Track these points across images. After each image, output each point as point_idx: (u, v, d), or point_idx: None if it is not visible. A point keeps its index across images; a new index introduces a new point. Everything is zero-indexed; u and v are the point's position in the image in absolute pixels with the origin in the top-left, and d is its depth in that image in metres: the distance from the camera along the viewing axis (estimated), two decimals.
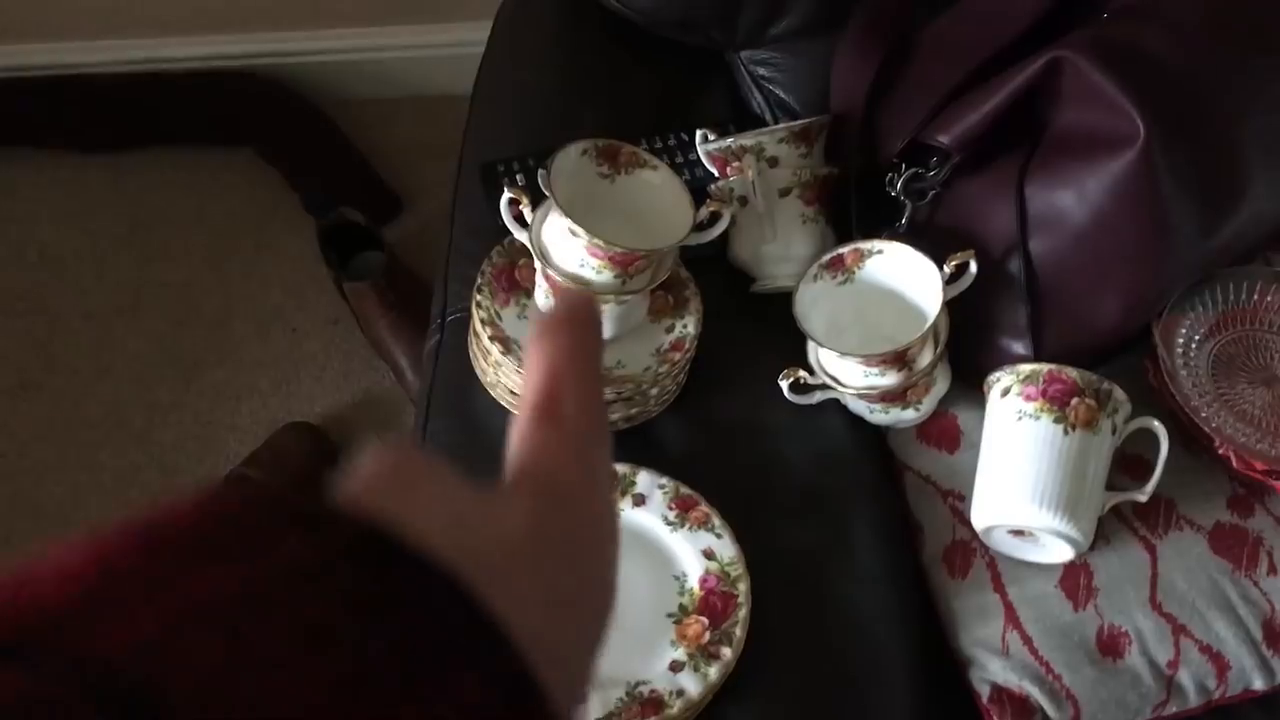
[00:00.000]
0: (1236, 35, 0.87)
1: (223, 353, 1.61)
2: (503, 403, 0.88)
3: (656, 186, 0.86)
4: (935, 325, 0.87)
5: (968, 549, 0.86)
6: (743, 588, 0.79)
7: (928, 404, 0.91)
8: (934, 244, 0.89)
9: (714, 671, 0.76)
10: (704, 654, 0.77)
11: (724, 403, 0.93)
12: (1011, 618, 0.83)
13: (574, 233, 0.80)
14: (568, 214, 0.80)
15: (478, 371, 0.90)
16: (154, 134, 1.76)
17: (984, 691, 0.82)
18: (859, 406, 0.92)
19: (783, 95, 1.07)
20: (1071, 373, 0.82)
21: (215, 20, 1.73)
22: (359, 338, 1.59)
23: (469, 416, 0.91)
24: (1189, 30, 0.86)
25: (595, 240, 0.80)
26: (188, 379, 1.58)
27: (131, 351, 1.60)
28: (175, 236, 1.71)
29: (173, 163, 1.76)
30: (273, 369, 1.59)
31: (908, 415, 0.91)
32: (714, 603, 0.79)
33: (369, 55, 1.79)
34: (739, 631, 0.77)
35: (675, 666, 0.76)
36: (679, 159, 1.01)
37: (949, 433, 0.92)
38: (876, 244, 0.90)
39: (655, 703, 0.74)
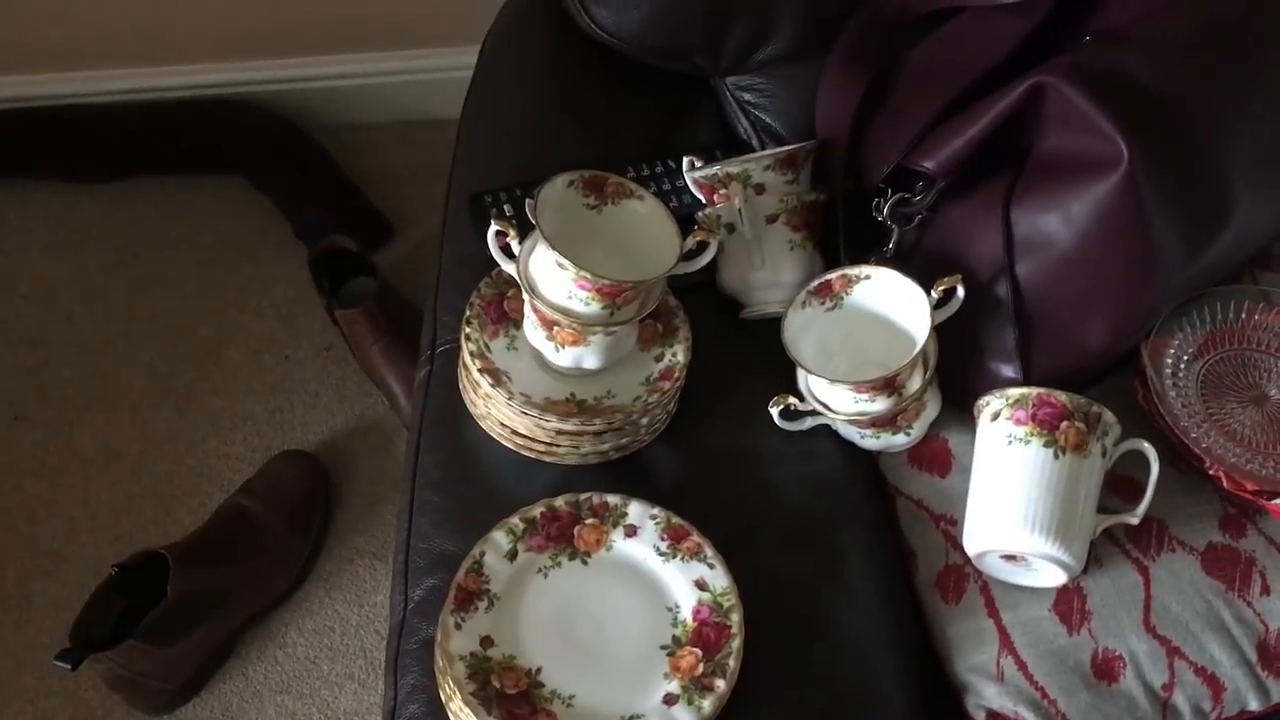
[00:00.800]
0: (1216, 58, 0.87)
1: (216, 381, 1.61)
2: (493, 434, 0.88)
3: (644, 216, 0.87)
4: (924, 350, 0.87)
5: (961, 574, 0.86)
6: (736, 618, 0.79)
7: (918, 428, 0.91)
8: (921, 269, 0.89)
9: (708, 704, 0.76)
10: (698, 686, 0.77)
11: (715, 430, 0.93)
12: (1006, 643, 0.83)
13: (561, 265, 0.80)
14: (554, 246, 0.80)
15: (468, 403, 0.90)
16: (144, 163, 1.76)
17: (979, 718, 0.82)
18: (850, 432, 0.92)
19: (769, 121, 1.07)
20: (1061, 396, 0.82)
21: (205, 49, 1.73)
22: (352, 364, 1.59)
23: (459, 449, 0.91)
24: (1169, 54, 0.86)
25: (583, 273, 0.80)
26: (181, 408, 1.58)
27: (124, 382, 1.60)
28: (167, 265, 1.71)
29: (163, 191, 1.77)
30: (266, 396, 1.59)
31: (899, 440, 0.91)
32: (707, 634, 0.79)
33: (358, 81, 1.80)
34: (733, 663, 0.77)
35: (669, 699, 0.76)
36: (666, 186, 1.02)
37: (940, 457, 0.92)
38: (864, 269, 0.90)
39: None
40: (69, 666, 1.23)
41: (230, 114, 1.76)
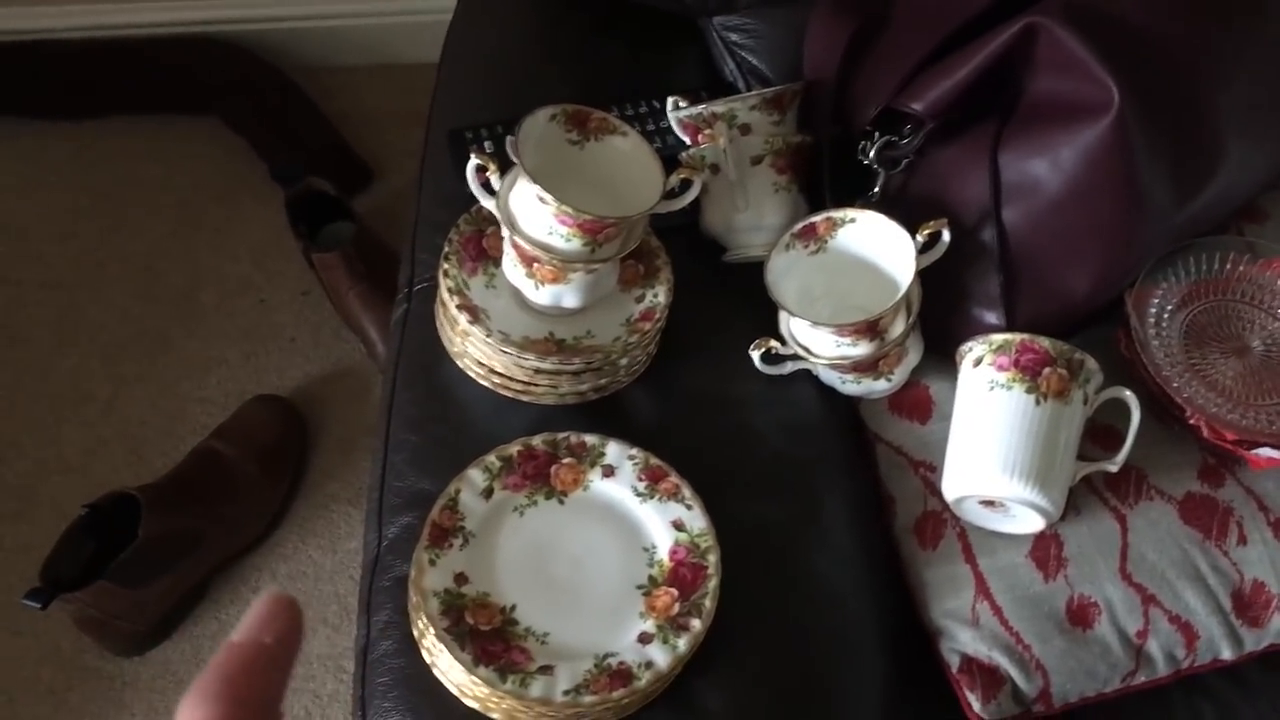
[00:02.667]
0: (1212, 6, 0.86)
1: (190, 324, 1.59)
2: (470, 373, 0.87)
3: (627, 153, 0.85)
4: (908, 295, 0.86)
5: (939, 520, 0.86)
6: (713, 559, 0.79)
7: (899, 374, 0.90)
8: (907, 213, 0.88)
9: (683, 643, 0.75)
10: (673, 626, 0.76)
11: (695, 373, 0.92)
12: (982, 588, 0.82)
13: (542, 200, 0.79)
14: (535, 180, 0.78)
15: (444, 341, 0.88)
16: (118, 101, 1.73)
17: (954, 662, 0.82)
18: (830, 377, 0.91)
19: (755, 62, 1.06)
20: (1044, 342, 0.82)
21: None
22: (328, 309, 1.58)
23: (436, 387, 0.89)
24: (1165, 3, 0.85)
25: (564, 207, 0.78)
26: (154, 351, 1.56)
27: (96, 323, 1.58)
28: (140, 206, 1.68)
29: (137, 131, 1.74)
30: (241, 341, 1.58)
31: (880, 386, 0.90)
32: (683, 574, 0.78)
33: (339, 22, 1.77)
34: (708, 603, 0.77)
35: (644, 638, 0.76)
36: (650, 126, 1.00)
37: (921, 403, 0.91)
38: (849, 212, 0.89)
39: (623, 674, 0.74)
40: (38, 606, 1.22)
41: (207, 52, 1.72)
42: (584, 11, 1.08)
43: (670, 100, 0.97)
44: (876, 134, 0.91)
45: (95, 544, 1.29)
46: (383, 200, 1.68)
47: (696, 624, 0.76)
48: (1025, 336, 0.82)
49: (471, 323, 0.84)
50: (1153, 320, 0.89)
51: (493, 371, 0.86)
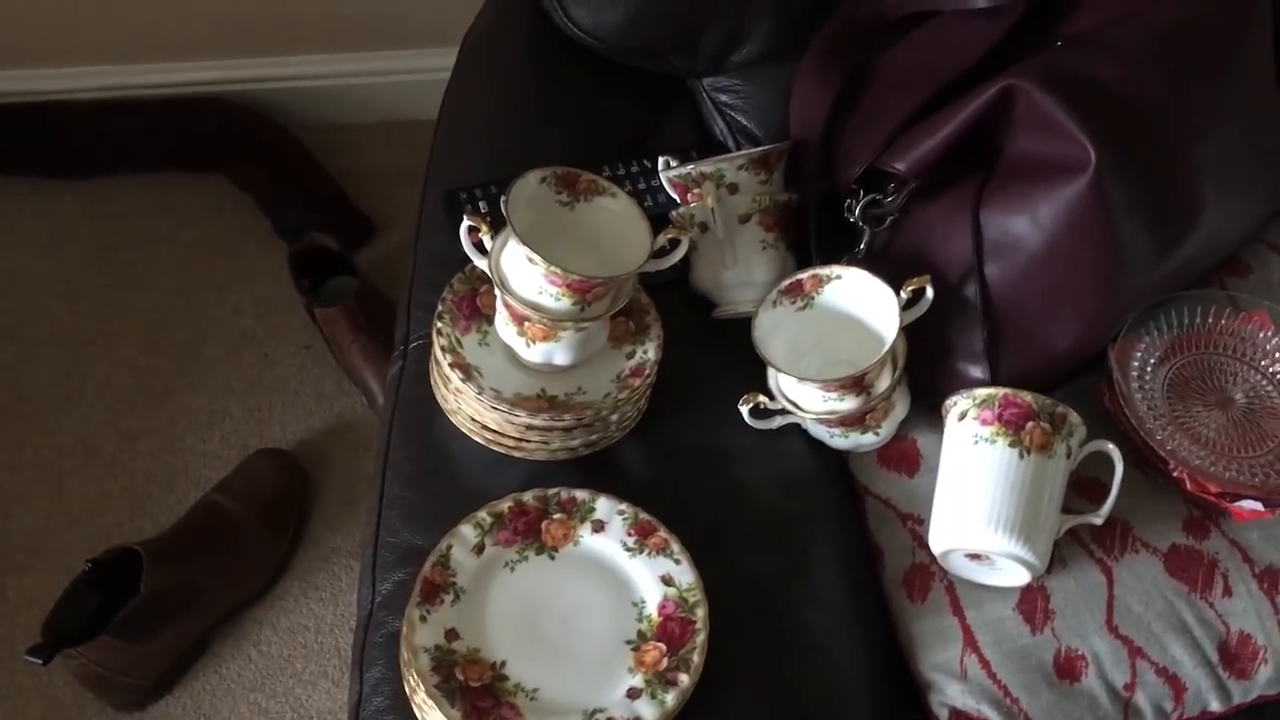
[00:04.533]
0: (1186, 65, 0.88)
1: (194, 379, 1.60)
2: (463, 429, 0.88)
3: (616, 213, 0.87)
4: (893, 350, 0.87)
5: (927, 573, 0.86)
6: (701, 613, 0.79)
7: (887, 428, 0.91)
8: (892, 269, 0.90)
9: (671, 699, 0.76)
10: (661, 681, 0.77)
11: (685, 428, 0.93)
12: (970, 641, 0.83)
13: (532, 260, 0.80)
14: (525, 241, 0.80)
15: (438, 398, 0.90)
16: (126, 160, 1.76)
17: (942, 715, 0.82)
18: (819, 431, 0.92)
19: (744, 122, 1.08)
20: (1026, 396, 0.83)
21: (188, 46, 1.73)
22: (331, 363, 1.59)
23: (430, 443, 0.91)
24: (1140, 60, 0.87)
25: (553, 268, 0.80)
26: (159, 405, 1.58)
27: (102, 378, 1.60)
28: (147, 262, 1.71)
29: (144, 188, 1.77)
30: (245, 394, 1.59)
31: (867, 439, 0.92)
32: (672, 629, 0.79)
33: (340, 81, 1.80)
34: (697, 658, 0.77)
35: (633, 694, 0.76)
36: (641, 185, 1.02)
37: (909, 457, 0.92)
38: (835, 269, 0.91)
39: None
40: (40, 662, 1.22)
41: (212, 112, 1.76)
42: (578, 72, 1.10)
43: (661, 160, 0.99)
44: (861, 192, 0.93)
45: (98, 598, 1.30)
46: (384, 255, 1.70)
47: (685, 679, 0.77)
48: (1008, 391, 0.83)
49: (464, 380, 0.85)
50: (1136, 373, 0.90)
51: (485, 428, 0.87)
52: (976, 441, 0.83)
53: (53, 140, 1.75)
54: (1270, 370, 0.92)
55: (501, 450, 0.88)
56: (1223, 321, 0.93)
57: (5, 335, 1.64)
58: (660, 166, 0.99)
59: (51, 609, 1.26)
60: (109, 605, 1.28)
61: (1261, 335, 0.92)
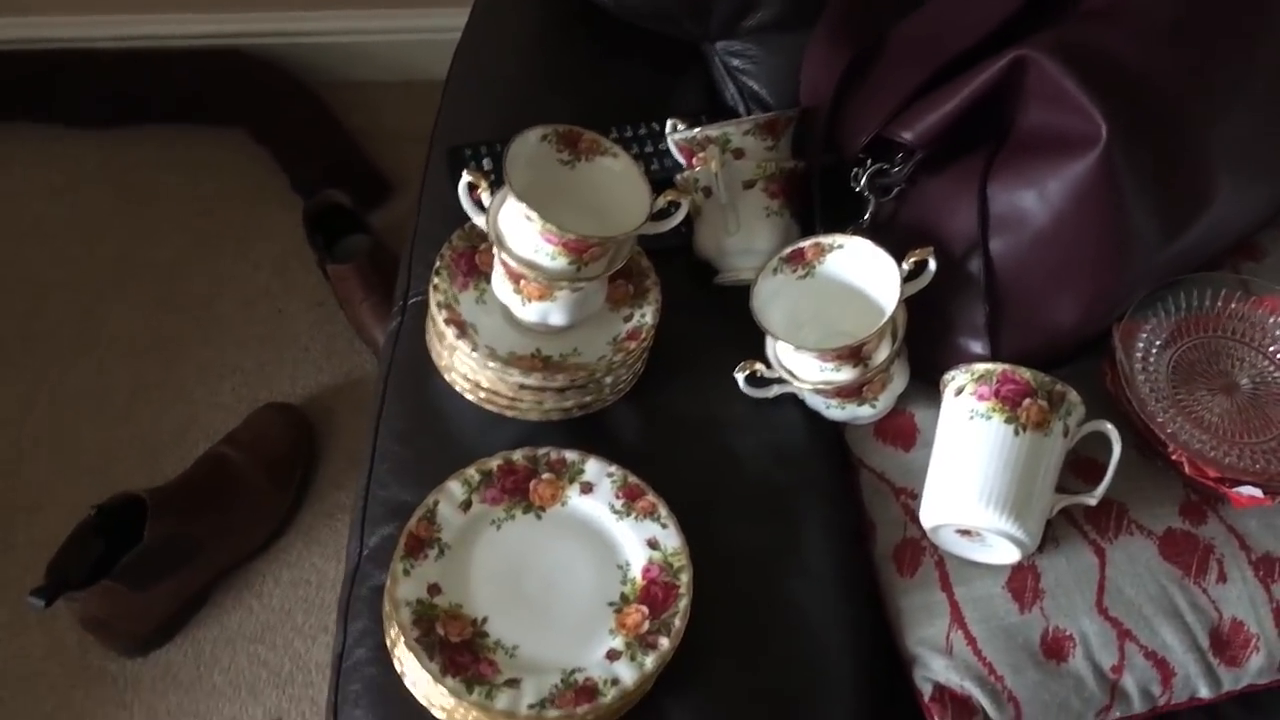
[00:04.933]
0: (1204, 42, 0.86)
1: (207, 331, 1.61)
2: (457, 387, 0.88)
3: (617, 174, 0.86)
4: (892, 321, 0.86)
5: (917, 547, 0.86)
6: (685, 578, 0.79)
7: (884, 401, 0.90)
8: (897, 241, 0.88)
9: (650, 661, 0.75)
10: (641, 643, 0.76)
11: (681, 394, 0.92)
12: (957, 617, 0.82)
13: (528, 217, 0.80)
14: (522, 199, 0.79)
15: (433, 355, 0.90)
16: (147, 111, 1.77)
17: (926, 690, 0.82)
18: (816, 401, 0.92)
19: (756, 88, 1.07)
20: (1025, 373, 0.82)
21: None
22: (342, 320, 1.60)
23: (424, 400, 0.91)
24: (1157, 35, 0.85)
25: (549, 226, 0.79)
26: (171, 356, 1.59)
27: (117, 327, 1.61)
28: (165, 214, 1.71)
29: (164, 140, 1.77)
30: (256, 349, 1.60)
31: (864, 412, 0.91)
32: (655, 592, 0.79)
33: (364, 38, 1.79)
34: (678, 622, 0.77)
35: (612, 655, 0.76)
36: (649, 149, 1.01)
37: (905, 431, 0.91)
38: (837, 238, 0.90)
39: (589, 691, 0.74)
40: (42, 604, 1.24)
41: (234, 66, 1.76)
42: (591, 34, 1.10)
43: (670, 123, 0.98)
44: (868, 161, 0.91)
45: (104, 545, 1.31)
46: (399, 215, 1.70)
47: (665, 643, 0.76)
48: (1006, 367, 0.82)
49: (459, 337, 0.85)
50: (1140, 355, 0.89)
51: (478, 386, 0.87)
52: (972, 417, 0.82)
53: (76, 89, 1.76)
54: (1278, 356, 0.90)
55: (494, 409, 0.87)
56: (1232, 305, 0.91)
57: (23, 280, 1.65)
58: (668, 129, 0.98)
59: (56, 552, 1.27)
60: (114, 552, 1.29)
61: (1271, 320, 0.91)
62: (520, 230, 0.82)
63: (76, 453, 1.50)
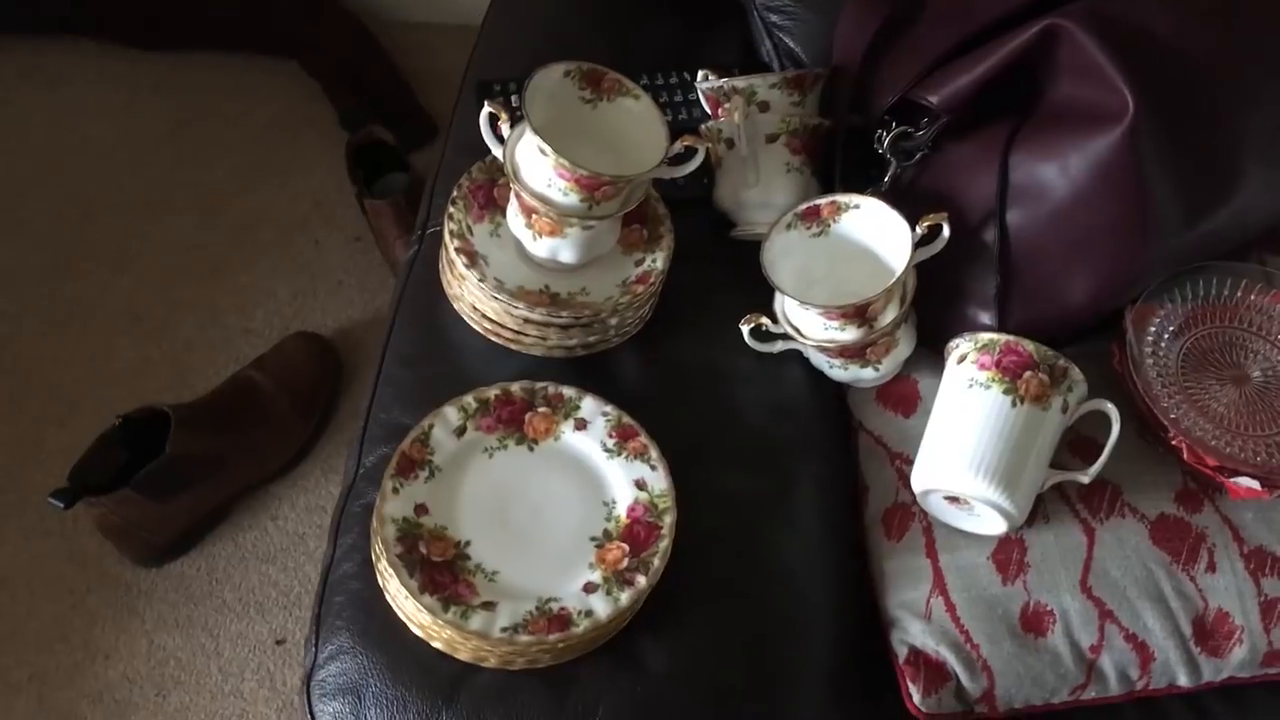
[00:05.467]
0: (1245, 26, 0.84)
1: (246, 257, 1.64)
2: (464, 317, 0.89)
3: (637, 115, 0.86)
4: (901, 285, 0.86)
5: (907, 512, 0.86)
6: (668, 520, 0.80)
7: (888, 365, 0.90)
8: (915, 205, 0.88)
9: (625, 597, 0.76)
10: (619, 579, 0.77)
11: (687, 342, 0.93)
12: (939, 583, 0.82)
13: (543, 151, 0.80)
14: (538, 132, 0.80)
15: (444, 284, 0.91)
16: (203, 36, 1.79)
17: (901, 653, 0.82)
18: (820, 360, 0.91)
19: (792, 45, 1.06)
20: (1028, 346, 0.81)
21: None
22: (378, 256, 1.62)
23: (432, 328, 0.92)
24: (1195, 13, 0.84)
25: (561, 161, 0.80)
26: (208, 279, 1.61)
27: (158, 247, 1.64)
28: (213, 140, 1.74)
29: (220, 67, 1.80)
30: (292, 278, 1.62)
31: (867, 374, 0.90)
32: (638, 531, 0.80)
33: None
34: (657, 562, 0.78)
35: (589, 588, 0.77)
36: (679, 98, 1.01)
37: (907, 396, 0.91)
38: (854, 198, 0.89)
39: (562, 619, 0.75)
40: (62, 505, 1.27)
41: None
42: None
43: (700, 73, 0.98)
44: (893, 124, 0.91)
45: (127, 455, 1.34)
46: None
47: (642, 580, 0.77)
48: (1010, 338, 0.82)
49: (468, 266, 0.86)
50: (1151, 339, 0.88)
51: (485, 317, 0.88)
52: (971, 385, 0.82)
53: (136, 10, 1.78)
54: None
55: (499, 341, 0.88)
56: (1251, 296, 0.90)
57: (71, 197, 1.68)
58: (699, 79, 0.98)
59: (80, 458, 1.30)
60: (137, 463, 1.32)
61: None
62: (535, 164, 0.82)
63: (109, 366, 1.53)
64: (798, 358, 0.93)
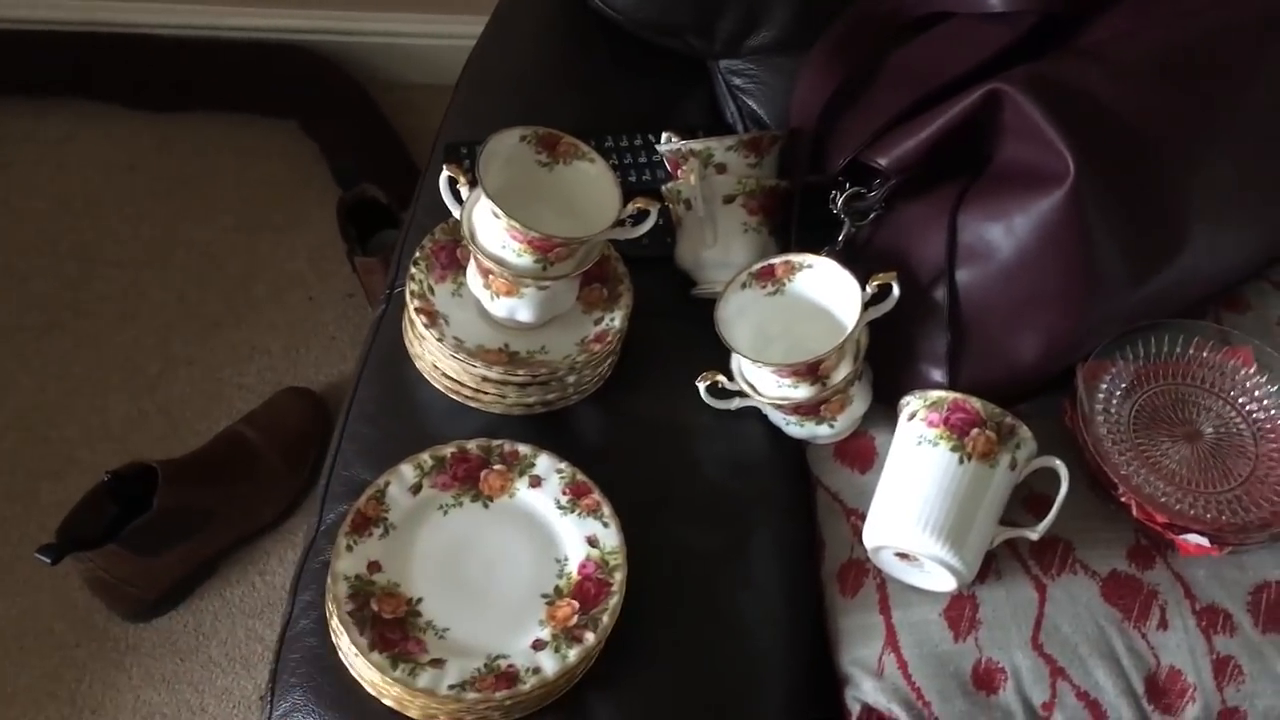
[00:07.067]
0: (1190, 88, 0.86)
1: (240, 313, 1.66)
2: (426, 375, 0.91)
3: (593, 178, 0.88)
4: (854, 343, 0.87)
5: (861, 569, 0.86)
6: (619, 577, 0.80)
7: (843, 422, 0.91)
8: (869, 264, 0.89)
9: (573, 654, 0.77)
10: (568, 636, 0.78)
11: (647, 399, 0.94)
12: (891, 640, 0.82)
13: (495, 214, 0.82)
14: (493, 195, 0.82)
15: (406, 342, 0.92)
16: (204, 98, 1.83)
17: (854, 710, 0.82)
18: (776, 417, 0.93)
19: (755, 107, 1.08)
20: (975, 403, 0.82)
21: None
22: (370, 312, 1.64)
23: (396, 388, 0.93)
24: (1140, 76, 0.85)
25: (513, 223, 0.82)
26: (204, 334, 1.64)
27: (155, 303, 1.67)
28: (211, 198, 1.77)
29: (219, 127, 1.83)
30: (285, 334, 1.64)
31: (822, 431, 0.91)
32: (588, 588, 0.80)
33: (420, 41, 1.84)
34: (606, 619, 0.78)
35: (538, 645, 0.78)
36: (643, 159, 1.03)
37: (864, 453, 0.92)
38: (808, 258, 0.91)
39: (510, 677, 0.76)
40: (49, 560, 1.28)
41: (291, 60, 1.81)
42: (602, 45, 1.12)
43: (664, 135, 1.00)
44: (846, 184, 0.92)
45: (117, 510, 1.36)
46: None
47: (590, 637, 0.78)
48: (959, 396, 0.83)
49: (427, 326, 0.87)
50: (1103, 396, 0.88)
51: (445, 375, 0.89)
52: (920, 442, 0.83)
53: (138, 72, 1.83)
54: (1245, 407, 0.89)
55: (459, 399, 0.90)
56: (1204, 354, 0.91)
57: (74, 253, 1.72)
58: (662, 141, 1.00)
59: (69, 513, 1.32)
60: (127, 518, 1.34)
61: (1243, 372, 0.90)
62: (489, 226, 0.84)
63: (104, 420, 1.56)
64: (758, 415, 0.94)
